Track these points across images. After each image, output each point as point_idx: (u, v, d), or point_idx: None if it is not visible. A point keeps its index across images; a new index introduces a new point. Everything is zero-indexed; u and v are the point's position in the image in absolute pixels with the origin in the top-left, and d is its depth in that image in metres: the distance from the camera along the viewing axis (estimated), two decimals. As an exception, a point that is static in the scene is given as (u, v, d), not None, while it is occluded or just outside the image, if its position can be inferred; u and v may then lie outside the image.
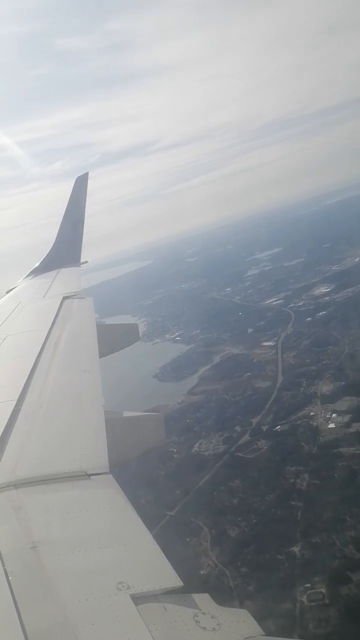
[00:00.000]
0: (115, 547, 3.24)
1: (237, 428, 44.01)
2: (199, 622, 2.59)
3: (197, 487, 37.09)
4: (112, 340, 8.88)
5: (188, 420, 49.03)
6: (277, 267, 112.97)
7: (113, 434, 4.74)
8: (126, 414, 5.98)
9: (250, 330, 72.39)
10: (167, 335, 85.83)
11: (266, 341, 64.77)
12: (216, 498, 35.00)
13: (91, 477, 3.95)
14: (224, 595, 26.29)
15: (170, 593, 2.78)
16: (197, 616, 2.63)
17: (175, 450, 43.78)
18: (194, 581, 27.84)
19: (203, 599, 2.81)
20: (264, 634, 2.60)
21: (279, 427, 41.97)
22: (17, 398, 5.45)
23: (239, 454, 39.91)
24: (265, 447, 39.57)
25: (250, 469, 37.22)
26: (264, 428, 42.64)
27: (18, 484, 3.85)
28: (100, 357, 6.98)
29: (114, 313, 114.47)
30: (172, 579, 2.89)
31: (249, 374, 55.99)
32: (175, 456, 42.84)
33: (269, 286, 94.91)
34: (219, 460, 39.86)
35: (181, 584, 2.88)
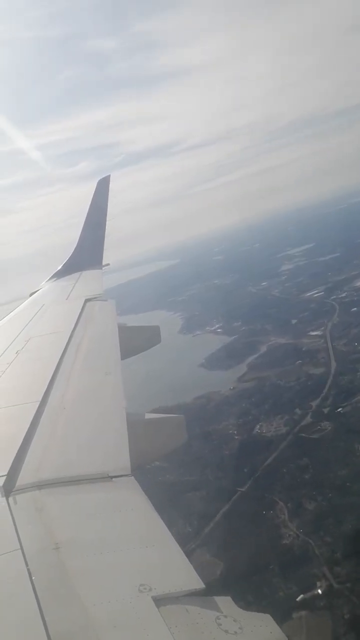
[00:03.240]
0: (137, 549, 3.25)
1: (297, 411, 44.28)
2: (221, 625, 2.58)
3: (264, 465, 37.52)
4: (134, 342, 8.92)
5: (244, 405, 49.46)
6: (312, 261, 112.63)
7: (135, 436, 4.74)
8: (148, 416, 6.02)
9: (294, 321, 72.41)
10: (207, 328, 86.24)
11: (313, 331, 64.82)
12: (287, 475, 35.34)
13: (113, 479, 3.96)
14: (311, 563, 26.83)
15: (192, 595, 2.77)
16: (219, 619, 2.62)
17: (235, 432, 44.34)
18: (278, 550, 28.45)
19: (225, 602, 2.81)
20: (286, 639, 2.62)
21: (340, 409, 42.12)
22: (40, 400, 5.49)
23: (303, 435, 40.20)
24: (330, 428, 39.78)
25: (317, 448, 37.52)
26: (325, 410, 42.83)
27: (41, 485, 3.88)
28: (122, 359, 7.05)
29: (147, 309, 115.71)
30: (194, 581, 2.88)
31: (300, 361, 56.14)
32: (236, 438, 43.33)
33: (307, 279, 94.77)
34: (283, 441, 40.18)
35: (203, 586, 2.86)
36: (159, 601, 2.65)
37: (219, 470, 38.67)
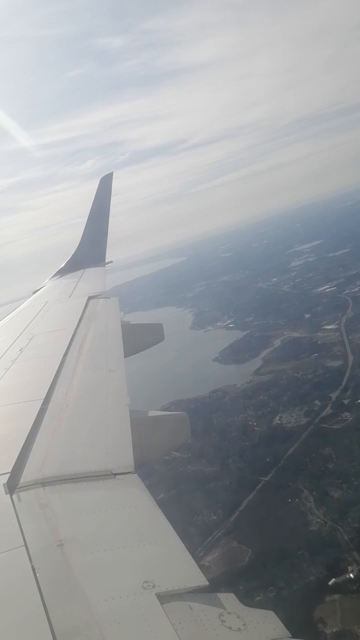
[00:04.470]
0: (141, 546, 3.26)
1: (317, 402, 44.41)
2: (225, 621, 2.57)
3: (287, 455, 37.66)
4: (137, 339, 8.90)
5: (261, 397, 49.59)
6: (322, 257, 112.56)
7: (138, 433, 4.75)
8: (151, 413, 5.96)
9: (307, 315, 72.51)
10: (218, 323, 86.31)
11: (327, 325, 64.91)
12: (310, 464, 35.49)
13: (117, 476, 3.97)
14: (341, 549, 26.98)
15: (195, 592, 2.77)
16: (223, 616, 2.61)
17: (255, 424, 44.48)
18: (306, 537, 28.57)
19: (228, 599, 2.79)
20: (290, 636, 2.55)
21: (360, 400, 42.26)
22: (43, 397, 5.49)
23: (324, 425, 40.33)
24: (351, 418, 39.88)
25: (339, 438, 37.61)
26: (345, 402, 42.96)
27: (45, 482, 3.89)
28: (125, 356, 7.03)
29: (156, 306, 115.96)
30: (198, 578, 2.87)
31: (316, 354, 56.27)
32: (256, 429, 43.47)
33: (317, 275, 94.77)
34: (304, 432, 40.32)
35: (206, 583, 2.84)
36: (163, 598, 2.65)
37: (241, 461, 38.80)
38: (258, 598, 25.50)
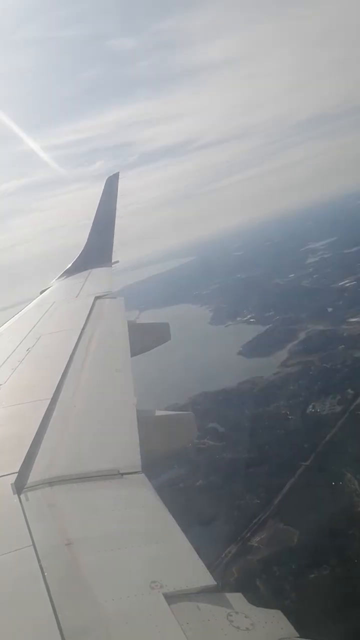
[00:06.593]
0: (149, 546, 3.26)
1: (350, 391, 44.73)
2: (233, 621, 2.57)
3: (325, 440, 38.05)
4: (143, 339, 8.90)
5: (291, 388, 50.02)
6: (338, 254, 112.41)
7: (145, 433, 4.75)
8: (158, 413, 5.99)
9: (329, 309, 72.78)
10: (238, 318, 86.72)
11: (351, 318, 65.13)
12: (350, 448, 35.82)
13: (124, 476, 4.00)
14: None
15: (203, 592, 2.76)
16: (231, 615, 2.61)
17: (287, 412, 44.86)
18: (354, 517, 28.91)
19: (236, 599, 2.78)
20: (297, 635, 2.55)
21: (395, 388, 42.53)
22: (50, 397, 5.53)
23: (360, 413, 40.72)
24: (387, 405, 40.23)
25: (378, 424, 37.97)
26: (380, 390, 43.28)
27: (53, 482, 3.91)
28: (132, 356, 7.05)
29: (172, 303, 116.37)
30: (206, 578, 2.87)
31: (343, 346, 56.51)
32: (289, 417, 43.88)
33: (335, 270, 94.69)
34: (340, 419, 40.69)
35: (214, 582, 2.83)
36: (170, 598, 2.65)
37: (279, 447, 39.18)
38: (312, 576, 25.94)
